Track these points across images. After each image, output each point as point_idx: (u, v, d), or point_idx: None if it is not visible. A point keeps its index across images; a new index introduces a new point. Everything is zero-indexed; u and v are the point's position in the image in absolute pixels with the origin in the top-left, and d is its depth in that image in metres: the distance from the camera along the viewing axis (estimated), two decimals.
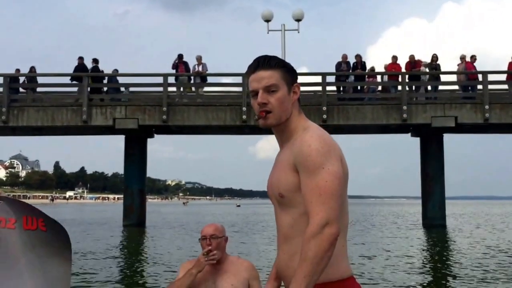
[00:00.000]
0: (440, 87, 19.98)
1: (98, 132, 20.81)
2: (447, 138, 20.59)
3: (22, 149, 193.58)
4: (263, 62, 1.84)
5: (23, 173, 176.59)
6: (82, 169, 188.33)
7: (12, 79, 18.77)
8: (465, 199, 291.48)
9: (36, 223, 1.71)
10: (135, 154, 19.93)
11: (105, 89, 19.43)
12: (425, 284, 7.47)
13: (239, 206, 75.22)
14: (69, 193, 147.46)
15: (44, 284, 1.68)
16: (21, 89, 19.47)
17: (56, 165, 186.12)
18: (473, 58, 19.18)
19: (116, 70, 19.69)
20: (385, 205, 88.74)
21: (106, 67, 19.72)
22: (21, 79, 19.30)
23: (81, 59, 19.11)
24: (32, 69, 19.21)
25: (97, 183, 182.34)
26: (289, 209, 1.81)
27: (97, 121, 18.21)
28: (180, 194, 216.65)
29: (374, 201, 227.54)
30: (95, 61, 19.20)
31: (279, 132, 1.90)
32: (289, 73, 1.86)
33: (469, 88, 19.28)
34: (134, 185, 19.90)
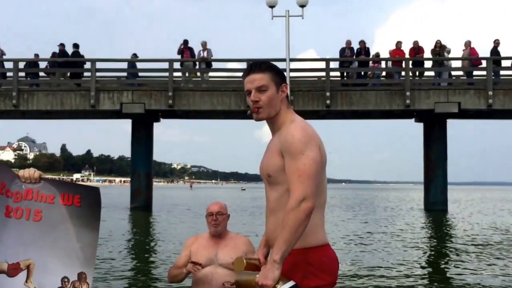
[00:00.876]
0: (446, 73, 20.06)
1: (105, 116, 21.17)
2: (459, 123, 20.70)
3: (29, 131, 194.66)
4: (255, 67, 2.22)
5: (31, 156, 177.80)
6: (89, 152, 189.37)
7: (31, 64, 19.23)
8: (476, 185, 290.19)
9: (72, 199, 2.10)
10: (142, 138, 20.26)
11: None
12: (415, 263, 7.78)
13: (244, 189, 75.71)
14: (76, 176, 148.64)
15: (78, 246, 2.10)
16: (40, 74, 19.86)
17: (63, 148, 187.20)
18: (496, 42, 18.96)
19: (135, 55, 19.85)
20: (391, 190, 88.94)
21: (112, 51, 19.98)
22: (42, 64, 19.72)
23: (62, 45, 19.41)
24: (55, 55, 19.52)
25: (104, 166, 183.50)
26: (275, 186, 2.20)
27: (104, 106, 18.56)
28: (186, 178, 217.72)
29: (380, 186, 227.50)
30: (75, 46, 19.47)
31: (271, 123, 2.28)
32: (278, 75, 2.23)
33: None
34: (141, 168, 20.28)
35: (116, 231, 12.43)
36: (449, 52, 19.63)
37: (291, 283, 2.11)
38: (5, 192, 2.05)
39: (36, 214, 2.06)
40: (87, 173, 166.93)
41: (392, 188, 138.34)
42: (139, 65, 19.85)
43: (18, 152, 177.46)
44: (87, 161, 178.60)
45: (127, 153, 21.39)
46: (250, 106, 2.25)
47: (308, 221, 2.07)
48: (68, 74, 19.29)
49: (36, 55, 19.81)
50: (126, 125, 21.53)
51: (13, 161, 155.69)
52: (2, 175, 2.06)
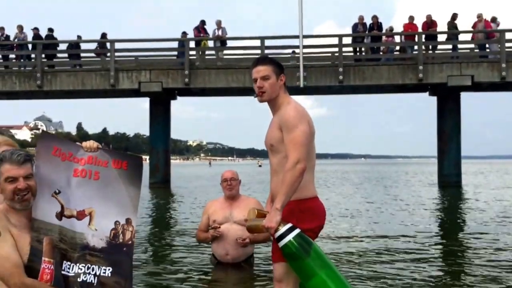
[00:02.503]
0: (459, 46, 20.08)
1: (124, 95, 21.82)
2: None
3: (45, 110, 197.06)
4: (261, 60, 2.98)
5: None
6: (105, 130, 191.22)
7: (73, 45, 20.02)
8: (490, 159, 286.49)
9: (120, 164, 2.73)
10: (160, 116, 20.83)
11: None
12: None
13: (260, 166, 76.18)
14: None
15: (126, 199, 2.74)
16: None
17: (79, 126, 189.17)
18: None
19: (184, 33, 19.93)
20: (413, 165, 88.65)
21: (128, 31, 20.44)
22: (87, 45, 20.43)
23: (36, 29, 19.97)
24: (105, 35, 20.18)
25: (120, 143, 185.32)
26: (276, 154, 2.92)
27: (123, 85, 19.17)
28: (202, 155, 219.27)
29: (402, 160, 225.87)
30: (50, 30, 20.03)
31: (272, 105, 2.99)
32: (278, 67, 2.96)
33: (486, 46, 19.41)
34: (159, 145, 20.91)
35: (140, 202, 13.06)
36: (498, 25, 19.55)
37: (289, 224, 2.83)
38: (73, 159, 2.68)
39: (95, 174, 2.69)
40: None
41: (414, 162, 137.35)
42: (157, 44, 20.29)
43: (34, 131, 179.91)
44: (103, 139, 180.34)
45: (143, 131, 22.11)
46: (256, 90, 2.95)
47: (301, 178, 2.76)
48: (43, 56, 19.70)
49: (79, 37, 20.50)
50: (142, 102, 22.15)
51: (29, 140, 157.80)
52: (70, 147, 2.71)
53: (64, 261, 2.58)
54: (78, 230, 2.64)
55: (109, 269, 2.62)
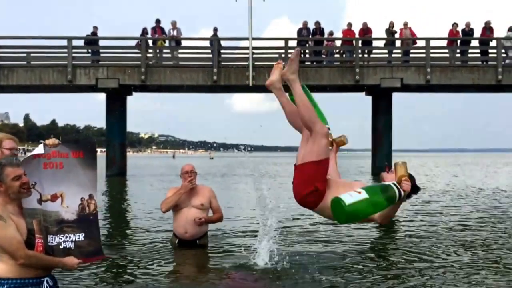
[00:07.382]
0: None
1: (81, 91, 22.56)
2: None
3: None
4: None
5: None
6: (54, 122, 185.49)
7: (88, 41, 20.52)
8: (440, 152, 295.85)
9: (78, 154, 3.44)
10: (116, 111, 21.58)
11: None
12: None
13: (212, 158, 76.91)
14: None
15: (86, 179, 3.45)
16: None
17: (26, 118, 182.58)
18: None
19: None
20: (356, 158, 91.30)
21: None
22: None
23: None
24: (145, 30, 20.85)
25: (69, 136, 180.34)
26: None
27: (81, 81, 20.02)
28: (154, 147, 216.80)
29: (346, 154, 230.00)
30: None
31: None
32: None
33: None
34: (116, 139, 21.73)
35: (102, 191, 14.18)
36: (409, 29, 21.35)
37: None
38: (41, 156, 3.36)
39: (60, 164, 3.39)
40: None
41: (357, 156, 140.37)
42: (115, 42, 21.25)
43: None
44: (52, 131, 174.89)
45: (94, 123, 22.86)
46: None
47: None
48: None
49: (95, 27, 20.93)
50: (95, 95, 22.95)
51: None
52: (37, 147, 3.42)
53: (48, 235, 3.26)
54: (55, 209, 3.32)
55: (82, 235, 3.37)
